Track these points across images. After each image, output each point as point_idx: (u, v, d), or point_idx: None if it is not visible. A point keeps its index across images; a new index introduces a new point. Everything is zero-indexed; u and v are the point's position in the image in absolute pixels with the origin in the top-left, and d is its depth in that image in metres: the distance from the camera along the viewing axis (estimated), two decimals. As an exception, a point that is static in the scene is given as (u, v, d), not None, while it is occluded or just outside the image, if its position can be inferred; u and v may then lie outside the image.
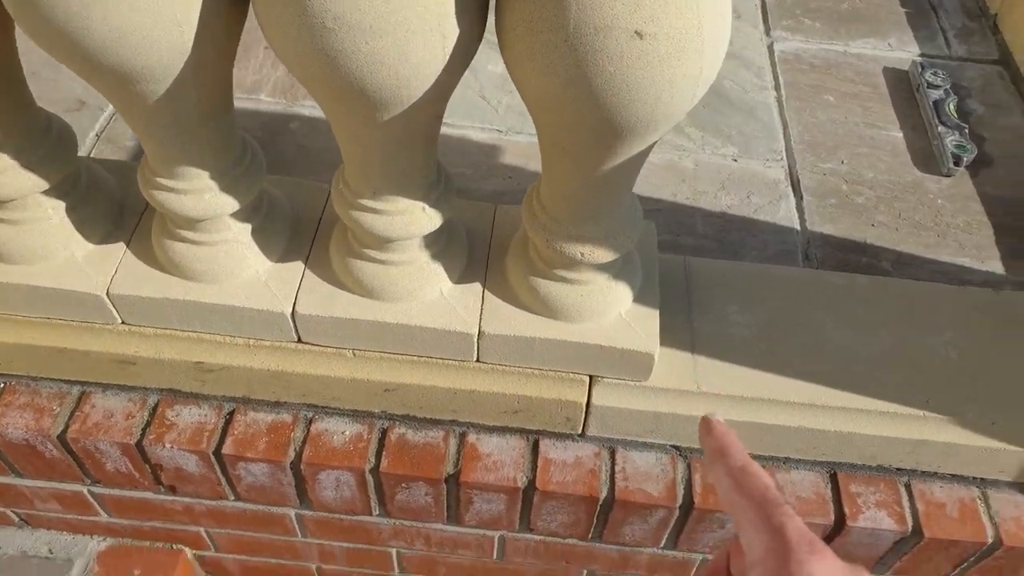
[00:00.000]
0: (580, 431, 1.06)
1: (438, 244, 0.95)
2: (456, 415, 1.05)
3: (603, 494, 1.04)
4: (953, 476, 1.08)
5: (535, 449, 1.07)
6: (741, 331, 1.06)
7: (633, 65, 0.62)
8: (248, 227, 0.94)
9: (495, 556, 1.21)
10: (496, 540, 1.16)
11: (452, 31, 0.66)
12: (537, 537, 1.15)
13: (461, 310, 0.96)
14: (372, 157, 0.80)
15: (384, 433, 1.06)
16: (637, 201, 0.93)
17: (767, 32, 1.76)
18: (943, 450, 1.03)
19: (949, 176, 1.48)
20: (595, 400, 1.01)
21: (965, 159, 1.48)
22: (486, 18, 0.70)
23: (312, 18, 0.62)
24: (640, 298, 0.99)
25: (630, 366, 0.98)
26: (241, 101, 1.53)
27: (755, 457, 1.03)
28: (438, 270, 0.95)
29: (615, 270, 0.95)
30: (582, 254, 0.88)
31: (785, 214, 1.38)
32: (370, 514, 1.13)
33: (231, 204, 0.88)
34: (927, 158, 1.52)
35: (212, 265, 0.93)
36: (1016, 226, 1.41)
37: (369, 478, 1.05)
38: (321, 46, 0.64)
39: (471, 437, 1.07)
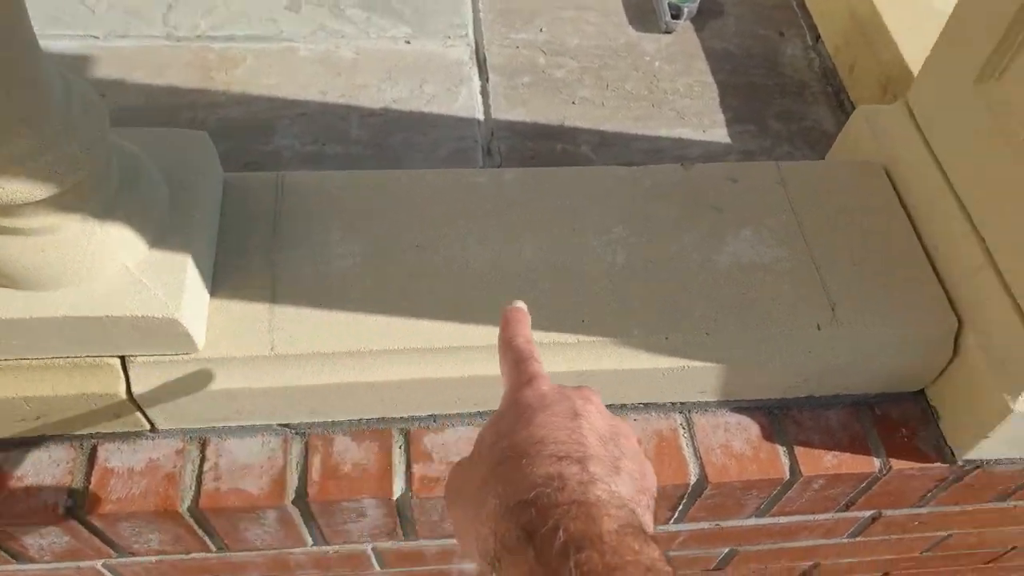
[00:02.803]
0: (150, 426, 0.79)
1: None
2: (-38, 433, 0.77)
3: (185, 504, 0.78)
4: (646, 405, 0.87)
5: (91, 459, 0.80)
6: (341, 263, 0.80)
7: None
8: None
9: (116, 586, 0.95)
10: (102, 568, 0.90)
11: None
12: (150, 559, 0.90)
13: None
14: None
15: None
16: (96, 103, 0.64)
17: None
18: (614, 379, 0.81)
19: (669, 32, 1.24)
20: (136, 388, 0.74)
21: (686, 11, 1.24)
22: None
23: None
24: (166, 241, 0.72)
25: (159, 338, 0.71)
26: None
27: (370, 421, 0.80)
28: None
29: (102, 206, 0.67)
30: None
31: (466, 102, 1.11)
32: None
33: None
34: (645, 14, 1.27)
35: None
36: (741, 84, 1.18)
37: None
38: None
39: (-4, 457, 0.79)
